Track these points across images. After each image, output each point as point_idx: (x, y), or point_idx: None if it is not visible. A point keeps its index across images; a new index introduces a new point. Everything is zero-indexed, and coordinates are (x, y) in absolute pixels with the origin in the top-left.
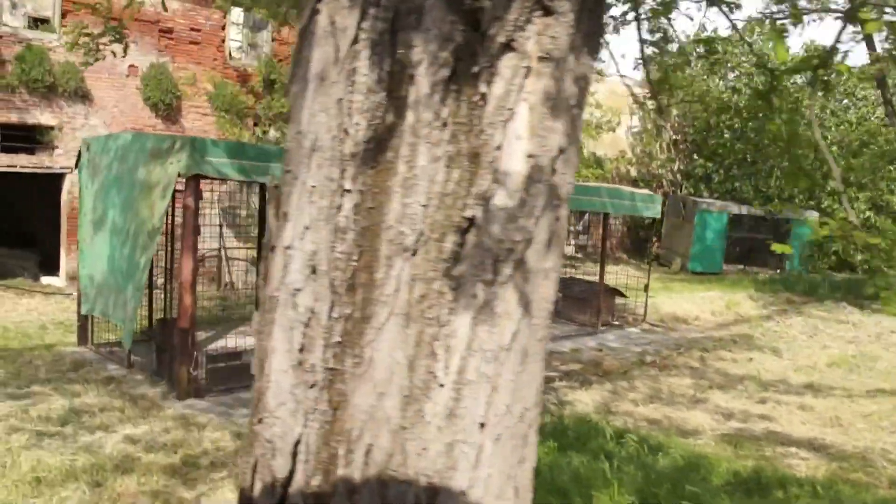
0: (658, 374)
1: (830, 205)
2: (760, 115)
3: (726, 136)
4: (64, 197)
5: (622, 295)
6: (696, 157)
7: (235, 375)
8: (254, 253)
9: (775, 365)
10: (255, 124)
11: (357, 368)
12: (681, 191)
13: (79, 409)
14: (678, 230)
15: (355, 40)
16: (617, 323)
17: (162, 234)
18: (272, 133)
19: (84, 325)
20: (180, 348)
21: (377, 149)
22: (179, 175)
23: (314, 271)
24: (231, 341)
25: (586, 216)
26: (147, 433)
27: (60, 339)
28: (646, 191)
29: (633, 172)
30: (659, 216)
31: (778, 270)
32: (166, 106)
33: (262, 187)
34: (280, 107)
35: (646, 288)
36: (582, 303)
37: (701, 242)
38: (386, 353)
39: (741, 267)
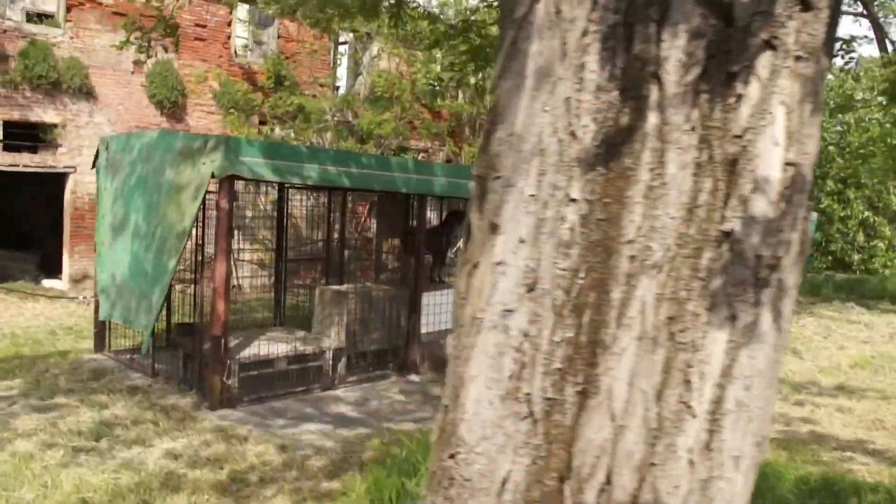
0: None
1: (830, 205)
2: None
3: None
4: (67, 197)
5: None
6: None
7: (267, 384)
8: (261, 255)
9: (799, 366)
10: (262, 123)
11: (591, 398)
12: None
13: (110, 422)
14: None
15: (584, 33)
16: None
17: (189, 238)
18: (278, 132)
19: (101, 332)
20: (213, 356)
21: (608, 154)
22: (213, 176)
23: (531, 290)
24: (260, 348)
25: None
26: (187, 447)
27: (73, 346)
28: None
29: None
30: None
31: None
32: (172, 104)
33: (281, 188)
34: (287, 105)
35: None
36: None
37: None
38: (625, 381)
39: None
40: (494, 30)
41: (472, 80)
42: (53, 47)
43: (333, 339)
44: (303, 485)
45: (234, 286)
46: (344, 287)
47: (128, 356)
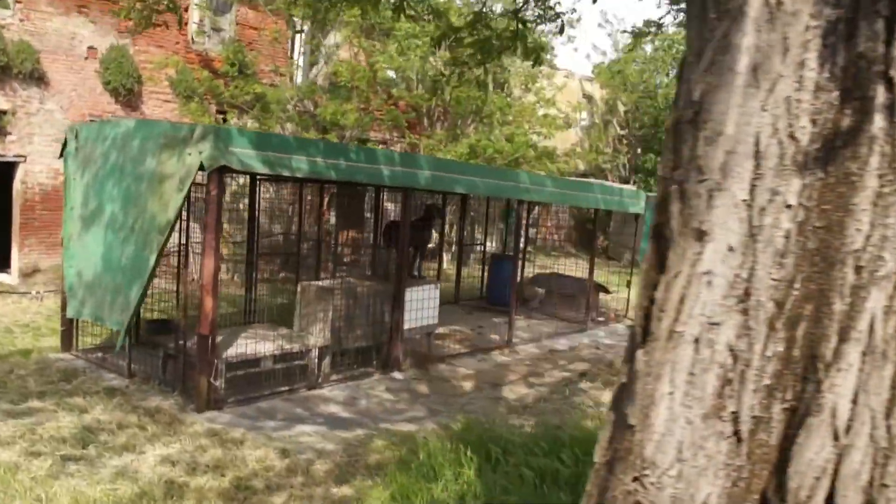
0: None
1: None
2: None
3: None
4: (17, 187)
5: (606, 291)
6: (641, 151)
7: (253, 384)
8: (226, 250)
9: None
10: (222, 112)
11: (812, 416)
12: (630, 185)
13: (93, 428)
14: (627, 224)
15: (806, 28)
16: (601, 319)
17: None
18: (235, 121)
19: (69, 330)
20: (200, 356)
21: (827, 158)
22: (202, 168)
23: (740, 301)
24: (246, 347)
25: (536, 209)
26: (182, 453)
27: (35, 344)
28: (630, 187)
29: (582, 166)
30: (643, 212)
31: None
32: (127, 91)
33: (253, 179)
34: (246, 94)
35: (628, 284)
36: (569, 299)
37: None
38: (850, 398)
39: None
40: (501, 22)
41: (474, 74)
42: (2, 29)
43: (318, 336)
44: (312, 491)
45: (192, 279)
46: (328, 283)
47: (98, 355)
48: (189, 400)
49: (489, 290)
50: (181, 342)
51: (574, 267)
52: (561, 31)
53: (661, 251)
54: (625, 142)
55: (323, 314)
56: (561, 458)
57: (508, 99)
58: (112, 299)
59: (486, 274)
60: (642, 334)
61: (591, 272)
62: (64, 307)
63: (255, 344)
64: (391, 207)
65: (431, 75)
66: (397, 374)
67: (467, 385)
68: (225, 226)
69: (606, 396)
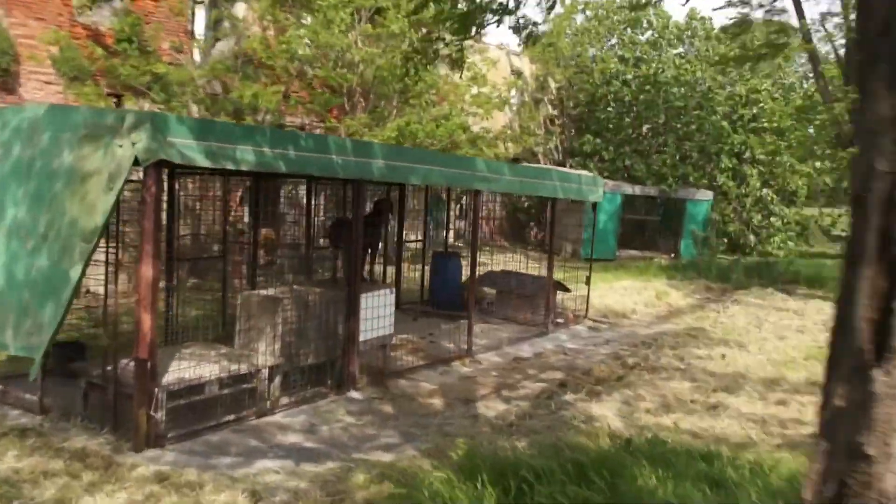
0: (652, 379)
1: (726, 182)
2: (648, 87)
3: (611, 109)
4: None
5: (566, 289)
6: (576, 132)
7: (197, 414)
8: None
9: (750, 360)
10: (115, 95)
11: None
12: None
13: (12, 480)
14: (566, 213)
15: None
16: (560, 321)
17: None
18: (130, 106)
19: None
20: (138, 385)
21: None
22: (136, 163)
23: None
24: (188, 371)
25: (464, 198)
26: None
27: None
28: (587, 173)
29: (512, 150)
30: (601, 199)
31: (672, 255)
32: (2, 71)
33: (172, 173)
34: (142, 74)
35: (587, 281)
36: (525, 300)
37: (591, 228)
38: None
39: (635, 252)
40: None
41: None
42: None
43: (266, 354)
44: None
45: (85, 291)
46: (275, 291)
47: None
48: (123, 437)
49: (433, 293)
50: (109, 368)
51: (520, 264)
52: (551, 8)
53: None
54: (557, 122)
55: (270, 328)
56: (591, 486)
57: (437, 77)
58: (17, 320)
59: (425, 275)
60: (874, 351)
61: (549, 269)
62: None
63: (196, 367)
64: (321, 203)
65: (355, 51)
66: (354, 394)
67: (436, 402)
68: (125, 228)
69: (596, 409)
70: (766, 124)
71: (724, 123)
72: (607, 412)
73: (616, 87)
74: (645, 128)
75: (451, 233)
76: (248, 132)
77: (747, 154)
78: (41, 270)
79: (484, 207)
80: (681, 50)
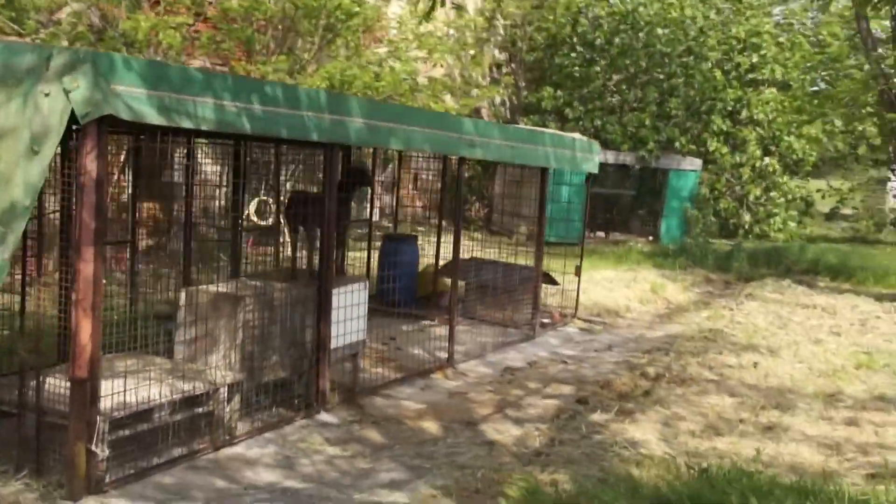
0: (685, 393)
1: (718, 148)
2: (625, 27)
3: (575, 55)
4: None
5: (554, 282)
6: (531, 83)
7: (144, 447)
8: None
9: (789, 369)
10: None
11: None
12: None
13: None
14: (519, 184)
15: None
16: (546, 321)
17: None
18: None
19: None
20: (74, 413)
21: None
22: (76, 118)
23: None
24: (131, 393)
25: (390, 166)
26: None
27: None
28: (579, 136)
29: (451, 103)
30: (597, 171)
31: (651, 238)
32: None
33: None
34: None
35: (577, 272)
36: (502, 295)
37: (555, 203)
38: None
39: (604, 235)
40: None
41: None
42: None
43: (221, 368)
44: None
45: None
46: (230, 287)
47: None
48: (51, 483)
49: (381, 285)
50: (28, 391)
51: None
52: None
53: None
54: (506, 70)
55: (227, 335)
56: None
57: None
58: None
59: (369, 262)
60: None
61: (538, 258)
62: None
63: (138, 387)
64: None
65: None
66: (326, 416)
67: (430, 426)
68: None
69: (634, 431)
70: (766, 75)
71: (718, 73)
72: (648, 435)
73: (584, 26)
74: (617, 78)
75: (377, 209)
76: (208, 81)
77: (744, 114)
78: None
79: (417, 177)
80: None
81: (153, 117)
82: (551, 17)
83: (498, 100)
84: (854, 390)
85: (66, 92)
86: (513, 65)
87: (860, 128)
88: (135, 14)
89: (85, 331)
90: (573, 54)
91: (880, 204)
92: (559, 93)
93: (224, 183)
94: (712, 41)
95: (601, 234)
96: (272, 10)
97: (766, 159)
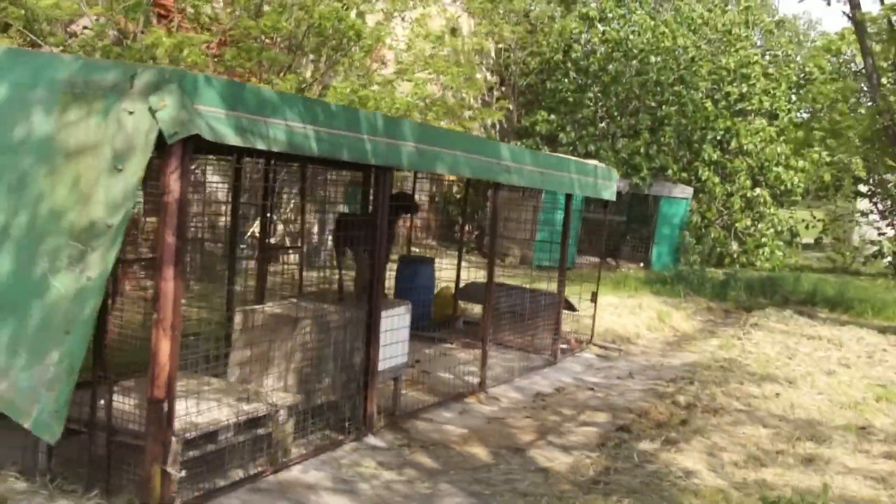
0: (719, 423)
1: (710, 177)
2: (617, 54)
3: (568, 80)
4: None
5: (572, 308)
6: (523, 106)
7: (211, 470)
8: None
9: (809, 400)
10: None
11: None
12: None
13: None
14: (513, 207)
15: None
16: (564, 346)
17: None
18: None
19: None
20: (151, 431)
21: None
22: (163, 137)
23: None
24: (198, 414)
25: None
26: None
27: None
28: (598, 163)
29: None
30: (615, 198)
31: (642, 264)
32: None
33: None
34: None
35: (593, 298)
36: (520, 320)
37: (549, 227)
38: None
39: (595, 259)
40: None
41: None
42: None
43: (277, 390)
44: None
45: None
46: (286, 308)
47: None
48: (122, 502)
49: None
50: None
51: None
52: None
53: None
54: (496, 93)
55: (283, 356)
56: None
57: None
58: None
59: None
60: None
61: (560, 283)
62: None
63: (207, 408)
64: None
65: None
66: (374, 439)
67: (478, 451)
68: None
69: (683, 461)
70: (755, 105)
71: (708, 103)
72: (697, 465)
73: (577, 52)
74: (610, 104)
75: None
76: (280, 102)
77: (733, 143)
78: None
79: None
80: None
81: (231, 138)
82: (545, 42)
83: (489, 122)
84: (882, 423)
85: (153, 111)
86: (503, 88)
87: (846, 160)
88: (152, 29)
89: (164, 350)
90: (566, 79)
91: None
92: (552, 117)
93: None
94: (703, 70)
95: (591, 258)
96: (288, 29)
97: (758, 190)
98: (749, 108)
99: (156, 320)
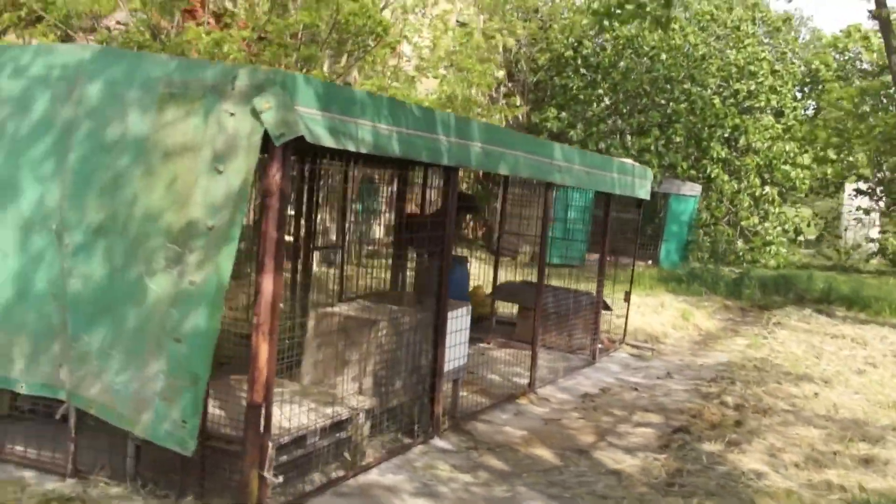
0: (771, 424)
1: (719, 175)
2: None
3: (575, 77)
4: None
5: (607, 307)
6: (536, 104)
7: (300, 473)
8: None
9: (847, 400)
10: None
11: None
12: None
13: None
14: (524, 204)
15: None
16: (600, 346)
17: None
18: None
19: None
20: (249, 436)
21: None
22: (269, 138)
23: None
24: (287, 418)
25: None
26: None
27: None
28: (632, 162)
29: None
30: (649, 197)
31: (650, 262)
32: None
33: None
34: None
35: (626, 297)
36: (559, 320)
37: (560, 224)
38: None
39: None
40: None
41: None
42: None
43: (353, 392)
44: None
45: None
46: (361, 310)
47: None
48: None
49: None
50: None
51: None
52: None
53: None
54: (503, 90)
55: (359, 357)
56: None
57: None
58: (34, 347)
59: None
60: None
61: (600, 283)
62: None
63: (298, 412)
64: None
65: None
66: (440, 442)
67: (543, 453)
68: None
69: (748, 462)
70: (762, 102)
71: (716, 101)
72: (762, 466)
73: (587, 48)
74: (619, 101)
75: (382, 227)
76: (368, 102)
77: (741, 141)
78: (91, 279)
79: (417, 193)
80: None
81: (326, 139)
82: (556, 39)
83: (497, 117)
84: None
85: (257, 113)
86: (509, 84)
87: (850, 158)
88: (189, 26)
89: (263, 355)
90: (576, 76)
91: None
92: (563, 114)
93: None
94: (713, 68)
95: (597, 255)
96: (319, 25)
97: (766, 188)
98: (756, 105)
99: (255, 324)
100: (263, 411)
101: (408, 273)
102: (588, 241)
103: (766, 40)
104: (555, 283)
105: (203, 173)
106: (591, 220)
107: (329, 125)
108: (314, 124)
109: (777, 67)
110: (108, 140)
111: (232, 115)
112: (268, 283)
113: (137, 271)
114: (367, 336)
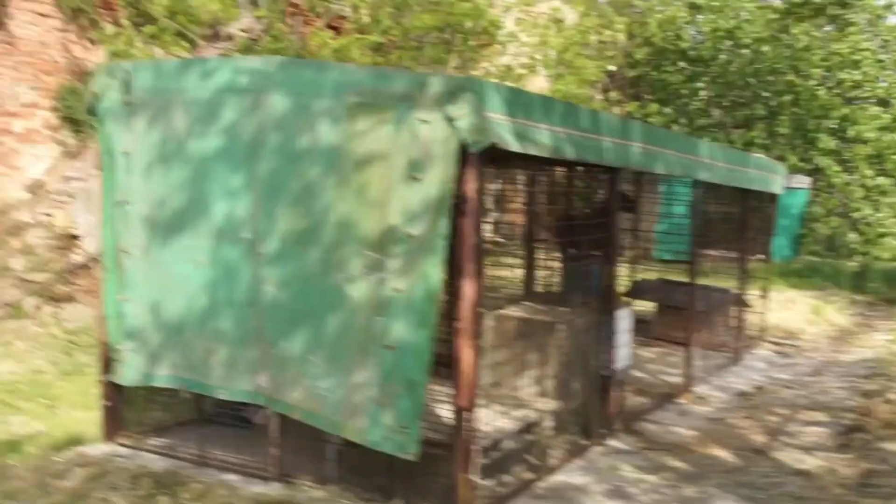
0: None
1: (829, 166)
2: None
3: (674, 71)
4: None
5: (746, 305)
6: (636, 99)
7: (493, 476)
8: None
9: None
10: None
11: None
12: None
13: None
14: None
15: None
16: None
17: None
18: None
19: (115, 407)
20: (458, 441)
21: None
22: (466, 147)
23: None
24: (483, 422)
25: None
26: None
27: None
28: (766, 157)
29: None
30: (782, 191)
31: (762, 256)
32: None
33: (480, 161)
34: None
35: (765, 293)
36: (699, 318)
37: (667, 219)
38: None
39: (711, 252)
40: None
41: None
42: None
43: (536, 395)
44: None
45: None
46: (544, 313)
47: (164, 443)
48: None
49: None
50: None
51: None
52: None
53: None
54: (599, 84)
55: (540, 360)
56: None
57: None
58: (231, 355)
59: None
60: None
61: (742, 279)
62: (107, 367)
63: (491, 415)
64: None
65: None
66: (615, 442)
67: (720, 453)
68: None
69: None
70: (869, 92)
71: (821, 92)
72: None
73: (686, 41)
74: (721, 94)
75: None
76: (546, 106)
77: (849, 132)
78: (287, 286)
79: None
80: None
81: (513, 144)
82: (651, 31)
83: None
84: None
85: (451, 120)
86: (606, 78)
87: None
88: (315, 30)
89: (468, 359)
90: (675, 70)
91: None
92: (667, 109)
93: None
94: (816, 58)
95: (707, 251)
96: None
97: (880, 179)
98: (863, 95)
99: (459, 328)
100: (472, 415)
101: (542, 272)
102: (693, 237)
103: (867, 29)
104: (673, 279)
105: (398, 181)
106: (697, 214)
107: (514, 130)
108: (502, 130)
109: (881, 57)
110: (297, 150)
111: (425, 122)
112: (469, 288)
113: (334, 278)
114: (547, 338)
